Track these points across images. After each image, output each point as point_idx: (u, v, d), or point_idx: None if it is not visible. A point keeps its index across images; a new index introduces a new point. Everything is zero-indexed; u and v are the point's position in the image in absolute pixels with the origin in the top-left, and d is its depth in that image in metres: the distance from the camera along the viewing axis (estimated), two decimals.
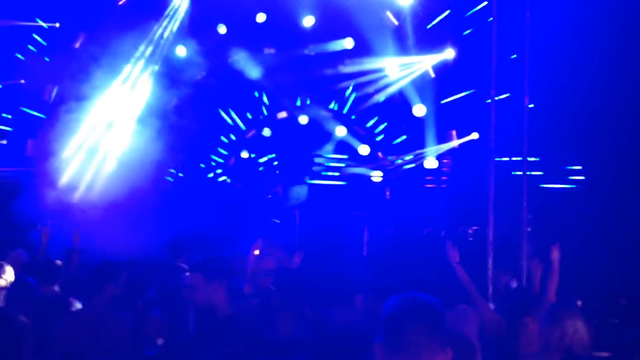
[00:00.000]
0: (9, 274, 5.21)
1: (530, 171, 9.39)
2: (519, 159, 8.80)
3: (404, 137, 12.66)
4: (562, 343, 3.71)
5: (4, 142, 11.13)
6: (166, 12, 11.85)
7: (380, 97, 12.48)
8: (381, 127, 12.94)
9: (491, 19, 8.55)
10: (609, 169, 10.09)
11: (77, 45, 11.64)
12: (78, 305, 4.88)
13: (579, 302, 5.37)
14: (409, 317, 2.33)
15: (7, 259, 6.08)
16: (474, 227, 10.42)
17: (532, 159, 9.71)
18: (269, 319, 4.64)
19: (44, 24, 11.60)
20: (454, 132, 12.04)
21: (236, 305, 4.31)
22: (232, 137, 13.27)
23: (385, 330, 2.36)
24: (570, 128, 10.36)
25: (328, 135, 12.93)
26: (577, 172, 10.88)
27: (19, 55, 11.61)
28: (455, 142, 12.03)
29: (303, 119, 13.03)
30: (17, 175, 11.00)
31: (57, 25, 11.64)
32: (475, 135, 11.65)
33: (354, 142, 12.85)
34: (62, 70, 11.10)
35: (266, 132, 13.14)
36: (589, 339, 3.76)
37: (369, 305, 5.17)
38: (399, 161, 12.44)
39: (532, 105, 8.81)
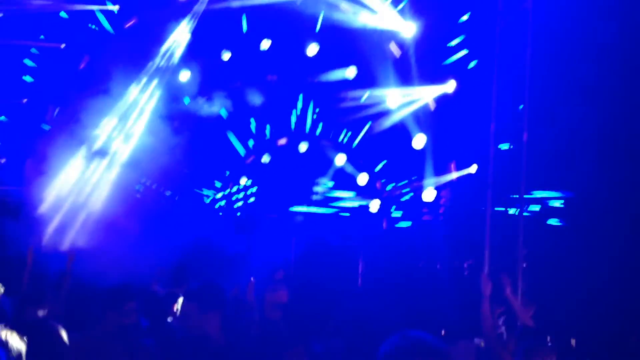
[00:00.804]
0: None
1: (527, 206, 9.41)
2: (515, 196, 8.81)
3: (403, 167, 12.69)
4: None
5: (3, 160, 11.14)
6: (171, 37, 11.96)
7: (381, 127, 12.54)
8: (381, 159, 12.97)
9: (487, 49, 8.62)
10: (607, 202, 10.10)
11: (82, 66, 11.72)
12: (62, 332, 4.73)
13: (549, 339, 5.32)
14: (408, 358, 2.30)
15: None
16: (469, 261, 10.39)
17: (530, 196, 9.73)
18: (275, 352, 4.57)
19: (48, 44, 11.70)
20: (452, 165, 12.07)
21: (233, 335, 4.25)
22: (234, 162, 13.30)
23: None
24: (568, 163, 10.39)
25: (327, 164, 12.96)
26: (574, 208, 10.88)
27: (28, 78, 11.69)
28: (453, 175, 12.05)
29: (303, 147, 13.07)
30: (14, 194, 10.99)
31: (62, 46, 11.73)
32: (473, 168, 11.68)
33: (353, 171, 12.87)
34: (64, 91, 11.18)
35: (265, 158, 13.17)
36: None
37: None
38: (395, 190, 12.46)
39: (527, 140, 8.86)
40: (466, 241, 10.30)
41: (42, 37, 11.56)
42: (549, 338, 5.35)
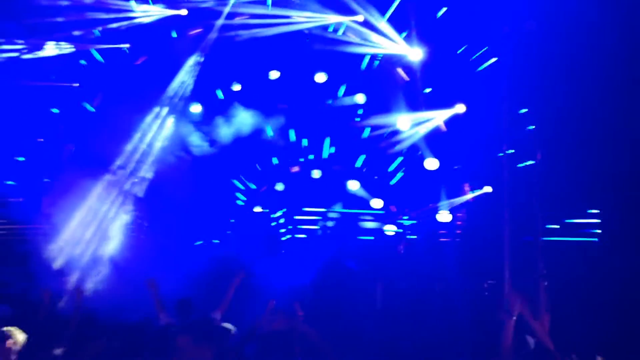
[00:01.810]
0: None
1: (545, 225, 9.34)
2: (532, 213, 8.76)
3: (418, 190, 12.66)
4: None
5: (20, 199, 11.27)
6: (181, 71, 12.13)
7: (393, 151, 12.56)
8: (394, 181, 12.96)
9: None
10: (626, 219, 9.99)
11: (95, 104, 11.91)
12: None
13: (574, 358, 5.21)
14: None
15: None
16: (489, 281, 10.29)
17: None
18: None
19: (63, 84, 11.91)
20: (466, 186, 12.03)
21: None
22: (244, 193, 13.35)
23: None
24: (584, 181, 10.32)
25: (341, 189, 12.96)
26: (592, 225, 10.77)
27: (38, 115, 11.89)
28: (468, 196, 12.00)
29: (316, 173, 13.10)
30: (31, 232, 11.10)
31: (76, 85, 11.94)
32: (488, 189, 11.63)
33: (367, 196, 12.87)
34: (79, 129, 11.36)
35: (279, 186, 13.20)
36: None
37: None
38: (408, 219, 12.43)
39: (540, 158, 8.83)
40: (484, 262, 10.21)
41: (53, 77, 11.77)
42: (574, 357, 5.26)
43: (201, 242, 12.43)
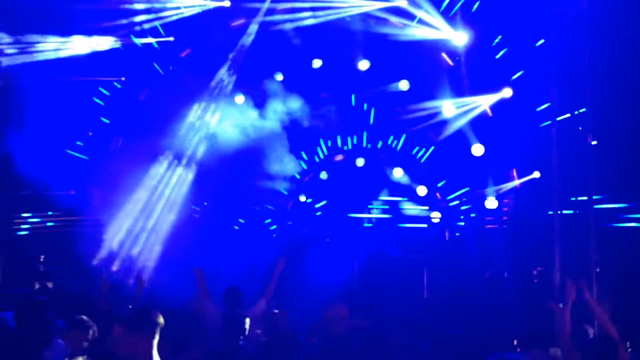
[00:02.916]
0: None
1: (597, 209, 9.10)
2: (584, 198, 8.55)
3: (463, 177, 12.51)
4: None
5: (72, 192, 11.56)
6: (226, 62, 12.22)
7: (439, 137, 12.42)
8: (439, 168, 12.83)
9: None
10: None
11: (142, 97, 12.11)
12: None
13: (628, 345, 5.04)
14: None
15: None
16: (539, 268, 10.10)
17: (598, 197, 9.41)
18: None
19: (110, 79, 12.16)
20: (514, 172, 11.82)
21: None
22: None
23: None
24: (637, 164, 10.03)
25: (385, 177, 12.90)
26: None
27: (87, 109, 12.16)
28: (516, 182, 11.80)
29: (360, 162, 13.06)
30: (83, 224, 11.38)
31: (123, 79, 12.17)
32: (537, 174, 11.41)
33: (411, 183, 12.77)
34: (127, 122, 11.58)
35: (323, 175, 13.22)
36: None
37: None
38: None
39: (595, 142, 8.61)
40: (533, 248, 10.03)
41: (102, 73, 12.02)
42: (628, 344, 5.12)
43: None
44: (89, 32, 11.42)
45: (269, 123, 12.04)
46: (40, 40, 11.04)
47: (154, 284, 9.59)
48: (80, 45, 11.40)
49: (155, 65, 12.18)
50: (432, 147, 12.78)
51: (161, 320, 4.00)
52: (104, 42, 11.58)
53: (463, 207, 12.57)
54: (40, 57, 11.05)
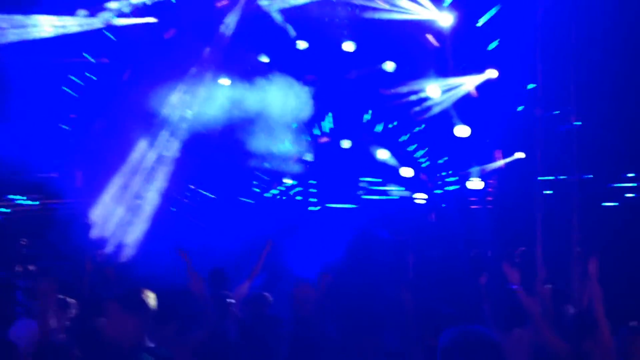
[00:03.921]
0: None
1: (579, 189, 9.17)
2: (564, 177, 8.61)
3: (447, 158, 12.55)
4: None
5: (54, 174, 11.47)
6: (210, 44, 12.11)
7: (423, 119, 12.43)
8: (425, 149, 12.86)
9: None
10: None
11: (125, 79, 12.00)
12: None
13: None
14: (467, 353, 2.31)
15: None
16: (522, 248, 10.20)
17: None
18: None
19: (92, 60, 12.01)
20: (499, 152, 11.87)
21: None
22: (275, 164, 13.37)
23: None
24: (619, 144, 10.10)
25: (371, 159, 12.91)
26: (627, 189, 10.56)
27: (69, 91, 12.02)
28: (500, 162, 11.85)
29: (345, 144, 13.05)
30: (67, 207, 11.32)
31: (106, 60, 12.03)
32: (520, 155, 11.46)
33: (397, 164, 12.79)
34: (110, 104, 11.47)
35: (308, 157, 13.20)
36: None
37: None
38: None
39: (579, 123, 8.65)
40: (516, 227, 10.11)
41: (85, 54, 11.87)
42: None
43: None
44: (70, 12, 11.27)
45: (254, 104, 11.98)
46: (21, 20, 10.88)
47: (140, 264, 9.60)
48: (62, 25, 11.24)
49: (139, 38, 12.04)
50: (418, 128, 12.79)
51: (154, 301, 4.00)
52: (86, 23, 11.42)
53: (448, 188, 12.62)
54: (22, 37, 10.90)
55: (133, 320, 3.91)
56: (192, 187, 12.38)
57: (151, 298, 3.98)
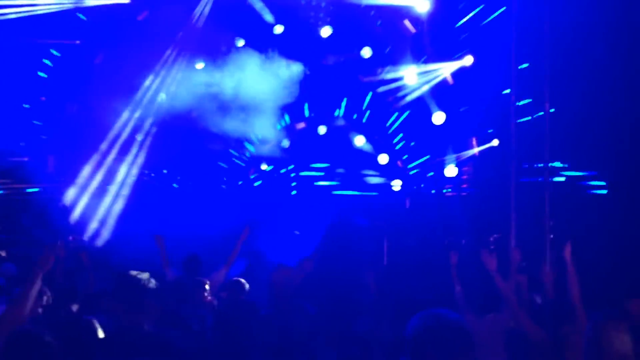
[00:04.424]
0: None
1: (553, 177, 9.28)
2: (540, 165, 8.70)
3: (423, 145, 12.58)
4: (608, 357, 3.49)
5: (25, 159, 11.27)
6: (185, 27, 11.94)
7: (399, 105, 12.44)
8: (400, 135, 12.88)
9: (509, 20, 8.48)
10: (633, 173, 9.93)
11: (98, 61, 11.79)
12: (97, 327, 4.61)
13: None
14: (434, 338, 2.30)
15: None
16: (496, 235, 10.31)
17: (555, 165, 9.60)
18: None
19: (64, 42, 11.77)
20: (474, 140, 11.94)
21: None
22: (252, 149, 13.30)
23: (410, 351, 2.33)
24: (593, 133, 10.23)
25: (347, 145, 12.89)
26: (600, 178, 10.71)
27: (40, 73, 11.77)
28: (475, 150, 11.92)
29: (322, 129, 13.01)
30: (40, 192, 11.14)
31: (77, 42, 11.79)
32: (495, 142, 11.54)
33: (373, 151, 12.80)
34: (82, 87, 11.27)
35: (285, 143, 13.13)
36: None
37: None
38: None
39: (552, 110, 8.72)
40: (491, 215, 10.21)
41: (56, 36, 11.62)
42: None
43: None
44: None
45: (229, 89, 11.87)
46: None
47: (116, 250, 9.51)
48: (31, 5, 10.98)
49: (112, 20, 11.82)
50: (394, 115, 12.80)
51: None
52: (57, 3, 11.16)
53: (423, 175, 12.67)
54: None
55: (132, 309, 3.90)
56: (165, 171, 12.25)
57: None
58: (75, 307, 5.46)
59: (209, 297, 5.83)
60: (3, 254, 8.95)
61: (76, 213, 11.12)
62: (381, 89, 12.38)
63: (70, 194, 11.18)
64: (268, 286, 5.30)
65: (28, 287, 4.02)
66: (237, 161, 13.09)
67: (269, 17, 12.26)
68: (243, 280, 6.37)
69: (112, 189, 11.59)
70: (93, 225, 11.15)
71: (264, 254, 9.16)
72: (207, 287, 6.02)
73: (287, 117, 13.20)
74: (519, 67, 9.63)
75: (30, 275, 4.09)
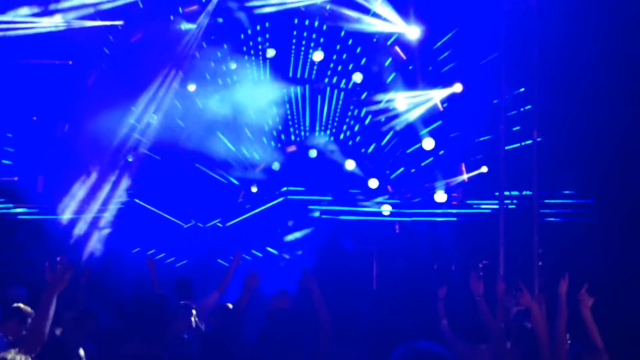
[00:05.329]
0: None
1: (541, 204, 9.34)
2: (528, 192, 8.77)
3: (413, 170, 12.65)
4: None
5: (15, 178, 11.23)
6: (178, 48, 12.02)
7: (390, 130, 12.53)
8: (392, 162, 12.93)
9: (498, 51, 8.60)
10: (623, 199, 10.02)
11: (90, 82, 11.81)
12: (81, 351, 4.50)
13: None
14: None
15: (7, 297, 6.00)
16: (484, 262, 10.34)
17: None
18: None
19: (56, 62, 11.79)
20: (463, 166, 12.02)
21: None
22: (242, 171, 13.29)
23: None
24: (582, 160, 10.33)
25: (337, 169, 12.93)
26: (588, 205, 10.80)
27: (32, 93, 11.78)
28: (464, 176, 12.00)
29: (312, 153, 13.06)
30: (27, 212, 11.08)
31: (70, 62, 11.82)
32: (484, 169, 11.63)
33: (363, 175, 12.84)
34: (74, 107, 11.28)
35: (275, 166, 13.16)
36: None
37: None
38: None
39: (540, 139, 8.81)
40: (479, 241, 10.24)
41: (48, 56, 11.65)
42: (567, 336, 5.24)
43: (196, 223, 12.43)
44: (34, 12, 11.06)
45: (221, 111, 11.92)
46: None
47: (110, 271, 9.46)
48: (25, 25, 11.01)
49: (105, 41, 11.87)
50: (384, 140, 12.87)
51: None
52: (50, 23, 11.20)
53: (413, 201, 12.71)
54: None
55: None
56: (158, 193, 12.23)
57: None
58: (58, 331, 5.41)
59: (196, 322, 5.81)
60: None
61: (69, 233, 11.07)
62: (372, 113, 12.47)
63: (61, 213, 11.13)
64: (265, 313, 5.28)
65: (45, 308, 3.94)
66: (232, 179, 13.06)
67: (261, 41, 12.38)
68: (231, 306, 6.34)
69: (103, 208, 11.55)
70: (85, 245, 11.11)
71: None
72: (193, 311, 6.00)
73: (277, 140, 13.25)
74: (508, 95, 9.75)
75: (44, 297, 3.99)
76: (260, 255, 11.96)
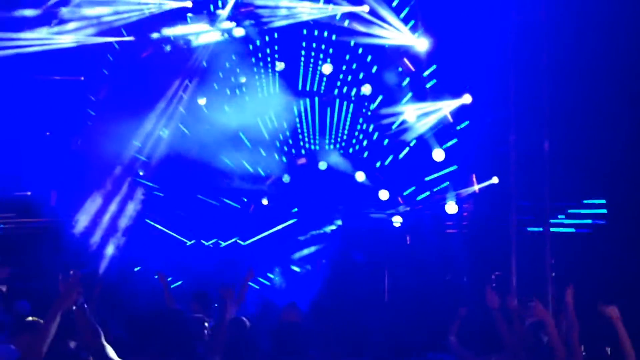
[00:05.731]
0: None
1: (553, 214, 9.29)
2: (540, 203, 8.72)
3: (424, 181, 12.63)
4: None
5: (29, 193, 11.31)
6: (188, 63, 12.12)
7: (400, 142, 12.53)
8: (402, 174, 12.91)
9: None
10: (633, 209, 9.95)
11: (101, 97, 11.92)
12: None
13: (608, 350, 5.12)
14: None
15: (12, 311, 6.02)
16: (497, 273, 10.29)
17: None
18: None
19: (68, 78, 11.92)
20: (474, 177, 11.99)
21: None
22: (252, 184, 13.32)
23: None
24: (593, 170, 10.27)
25: (348, 181, 12.94)
26: (600, 215, 10.72)
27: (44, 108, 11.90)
28: (475, 187, 11.96)
29: (322, 165, 13.08)
30: (41, 226, 11.16)
31: (82, 78, 11.94)
32: (495, 180, 11.58)
33: (374, 187, 12.84)
34: (86, 122, 11.39)
35: (285, 178, 13.19)
36: None
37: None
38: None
39: (550, 147, 8.77)
40: (491, 252, 10.19)
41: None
42: (582, 347, 5.20)
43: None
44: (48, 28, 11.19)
45: (231, 125, 11.98)
46: None
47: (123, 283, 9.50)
48: (37, 42, 11.14)
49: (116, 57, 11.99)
50: (395, 151, 12.88)
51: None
52: (62, 40, 11.33)
53: (424, 212, 12.68)
54: None
55: None
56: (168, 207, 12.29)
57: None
58: (72, 344, 5.41)
59: (209, 335, 5.81)
60: (4, 289, 8.94)
61: (83, 246, 11.14)
62: (381, 125, 12.50)
63: (75, 227, 11.21)
64: (277, 325, 5.27)
65: (48, 323, 3.90)
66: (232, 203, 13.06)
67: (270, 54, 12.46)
68: (245, 318, 6.34)
69: (116, 222, 11.62)
70: (99, 258, 11.17)
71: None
72: (206, 324, 6.01)
73: (288, 153, 13.29)
74: (518, 105, 9.74)
75: (50, 311, 3.97)
76: (277, 270, 11.99)
